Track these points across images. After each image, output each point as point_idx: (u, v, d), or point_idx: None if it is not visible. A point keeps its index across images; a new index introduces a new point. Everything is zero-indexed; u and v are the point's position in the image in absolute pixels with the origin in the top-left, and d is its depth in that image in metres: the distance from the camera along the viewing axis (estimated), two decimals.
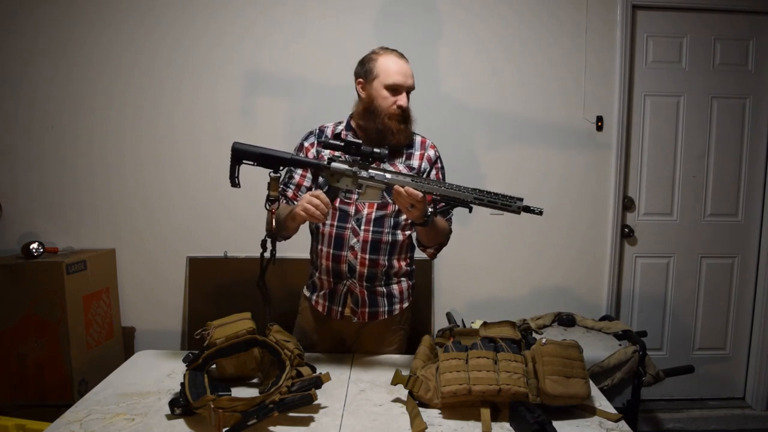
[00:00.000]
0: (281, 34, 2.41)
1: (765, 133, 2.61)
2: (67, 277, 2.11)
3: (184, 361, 1.39)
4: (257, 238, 2.48)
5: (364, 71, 1.54)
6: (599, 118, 2.51)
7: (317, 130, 1.63)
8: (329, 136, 1.60)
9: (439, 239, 1.58)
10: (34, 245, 2.15)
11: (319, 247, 1.59)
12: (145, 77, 2.41)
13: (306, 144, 1.62)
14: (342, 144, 1.35)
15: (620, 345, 2.02)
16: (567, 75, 2.49)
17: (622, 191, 2.57)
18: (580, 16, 2.47)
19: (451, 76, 2.47)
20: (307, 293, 1.70)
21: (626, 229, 2.60)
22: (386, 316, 1.60)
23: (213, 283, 2.44)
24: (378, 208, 1.53)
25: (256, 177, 2.47)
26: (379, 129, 1.51)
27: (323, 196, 1.35)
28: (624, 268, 2.64)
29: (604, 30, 2.48)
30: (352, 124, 1.59)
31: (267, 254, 1.44)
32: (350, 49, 1.65)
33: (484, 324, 1.52)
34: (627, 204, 2.60)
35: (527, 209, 1.34)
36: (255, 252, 2.43)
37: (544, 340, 1.27)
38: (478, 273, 2.56)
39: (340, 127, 1.61)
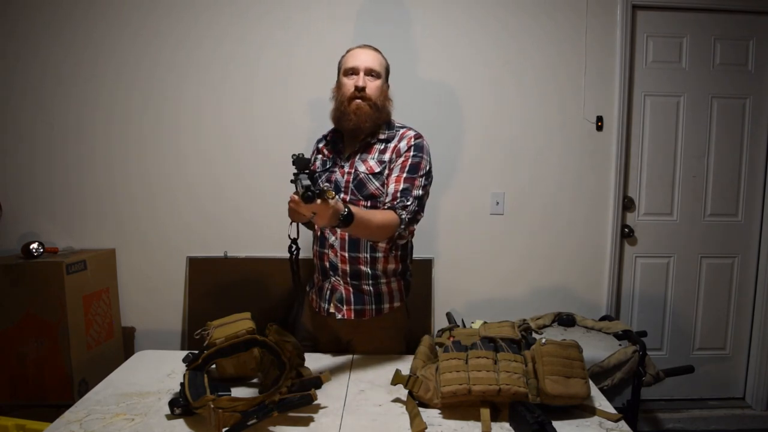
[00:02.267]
0: (286, 35, 2.41)
1: (765, 133, 2.61)
2: (67, 277, 2.11)
3: (184, 361, 1.40)
4: (258, 238, 2.52)
5: (337, 72, 1.64)
6: (599, 118, 2.51)
7: (321, 137, 1.75)
8: (324, 140, 1.71)
9: (366, 233, 1.43)
10: (34, 245, 2.15)
11: (313, 246, 1.66)
12: (147, 77, 2.41)
13: (312, 149, 1.75)
14: (294, 160, 1.36)
15: (620, 345, 2.02)
16: (567, 75, 2.49)
17: (622, 191, 2.57)
18: (580, 16, 2.46)
19: (448, 75, 2.47)
20: (308, 289, 1.74)
21: (626, 229, 2.60)
22: (374, 315, 1.60)
23: (213, 283, 2.44)
24: (350, 204, 1.52)
25: (256, 178, 2.50)
26: (338, 117, 1.57)
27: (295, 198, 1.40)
28: (624, 268, 2.64)
29: (604, 30, 2.47)
30: None
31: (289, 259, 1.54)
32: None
33: (484, 324, 1.53)
34: (627, 204, 2.60)
35: (304, 198, 1.16)
36: (255, 252, 2.48)
37: (543, 340, 1.27)
38: (478, 273, 2.56)
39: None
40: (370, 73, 1.55)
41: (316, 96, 2.38)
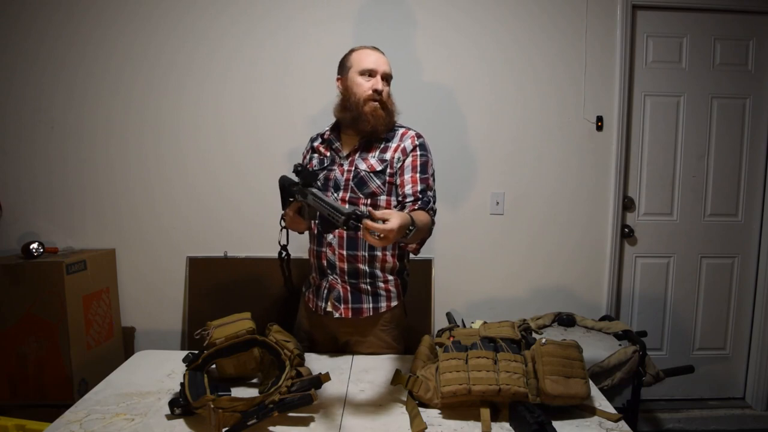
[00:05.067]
0: (286, 35, 2.41)
1: (765, 133, 2.61)
2: (67, 277, 2.11)
3: (184, 361, 1.40)
4: (258, 238, 2.53)
5: (341, 68, 1.62)
6: (599, 118, 2.51)
7: (315, 135, 1.73)
8: (320, 138, 1.69)
9: (420, 236, 1.45)
10: (34, 245, 2.15)
11: (309, 245, 1.67)
12: (147, 77, 2.41)
13: (304, 151, 1.74)
14: (299, 171, 1.37)
15: (620, 345, 2.02)
16: (567, 75, 2.49)
17: (622, 191, 2.57)
18: (580, 16, 2.46)
19: (449, 75, 2.47)
20: (303, 289, 1.74)
21: (626, 229, 2.60)
22: (371, 314, 1.60)
23: (213, 283, 2.44)
24: (350, 202, 1.54)
25: (256, 177, 2.50)
26: (354, 117, 1.55)
27: (296, 218, 1.46)
28: (624, 268, 2.64)
29: (604, 30, 2.47)
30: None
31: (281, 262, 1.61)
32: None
33: (484, 324, 1.53)
34: (627, 204, 2.60)
35: (347, 226, 1.13)
36: (256, 252, 2.47)
37: (543, 340, 1.27)
38: (478, 273, 2.56)
39: (327, 128, 1.68)
40: (385, 77, 1.56)
41: (317, 96, 2.39)
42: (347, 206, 1.27)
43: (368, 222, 1.13)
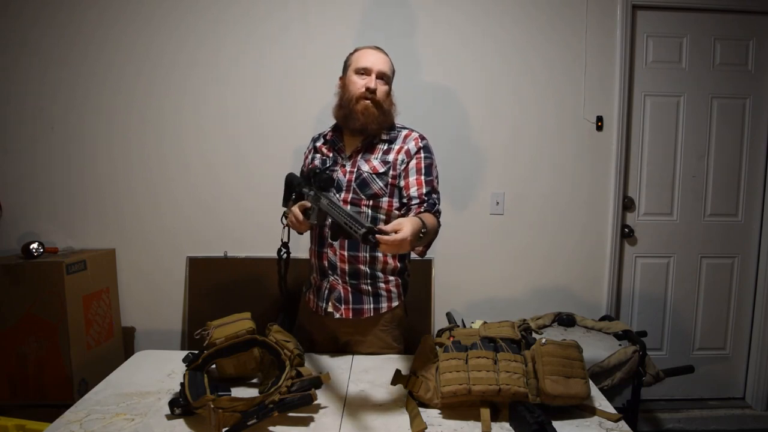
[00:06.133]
0: (289, 35, 2.41)
1: (765, 133, 2.61)
2: (67, 277, 2.11)
3: (184, 361, 1.40)
4: (258, 238, 2.52)
5: (343, 68, 1.63)
6: (599, 118, 2.51)
7: (317, 135, 1.73)
8: (323, 139, 1.69)
9: (428, 239, 1.45)
10: (34, 245, 2.15)
11: (310, 245, 1.66)
12: (149, 77, 2.41)
13: (306, 150, 1.73)
14: (316, 173, 1.37)
15: (620, 345, 2.02)
16: (567, 75, 2.49)
17: (622, 191, 2.57)
18: (580, 16, 2.46)
19: (449, 76, 2.47)
20: (304, 289, 1.74)
21: (626, 229, 2.60)
22: (372, 314, 1.60)
23: (213, 283, 2.44)
24: (352, 203, 1.54)
25: (257, 177, 2.50)
26: (346, 114, 1.56)
27: (297, 213, 1.42)
28: (624, 268, 2.64)
29: (603, 30, 2.47)
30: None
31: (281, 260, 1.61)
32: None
33: (484, 324, 1.53)
34: (627, 204, 2.60)
35: (366, 240, 1.06)
36: (256, 252, 2.47)
37: (543, 340, 1.27)
38: (478, 273, 2.56)
39: (328, 129, 1.69)
40: (381, 76, 1.55)
41: (320, 96, 2.38)
42: (357, 213, 1.25)
43: (382, 237, 1.11)
